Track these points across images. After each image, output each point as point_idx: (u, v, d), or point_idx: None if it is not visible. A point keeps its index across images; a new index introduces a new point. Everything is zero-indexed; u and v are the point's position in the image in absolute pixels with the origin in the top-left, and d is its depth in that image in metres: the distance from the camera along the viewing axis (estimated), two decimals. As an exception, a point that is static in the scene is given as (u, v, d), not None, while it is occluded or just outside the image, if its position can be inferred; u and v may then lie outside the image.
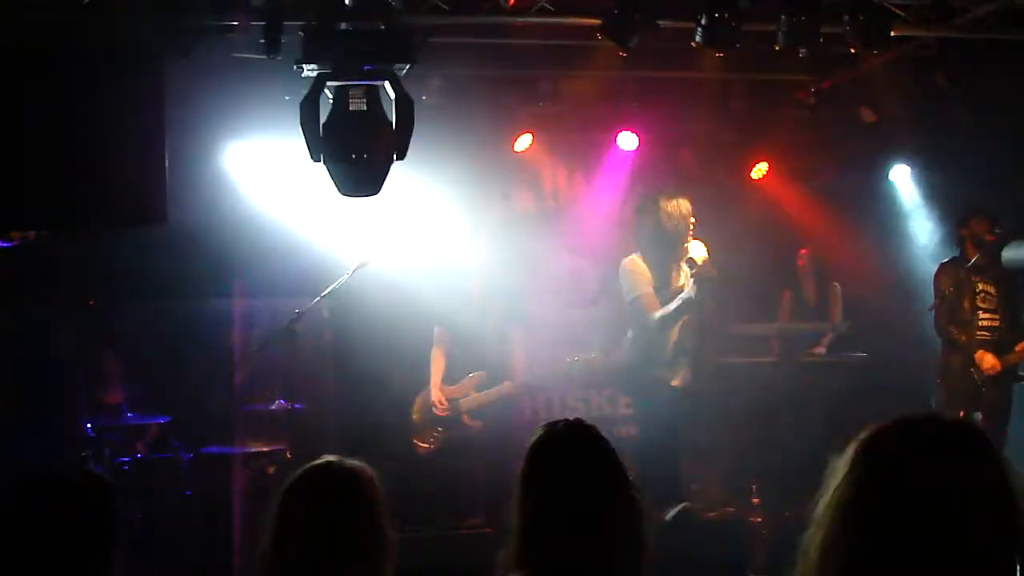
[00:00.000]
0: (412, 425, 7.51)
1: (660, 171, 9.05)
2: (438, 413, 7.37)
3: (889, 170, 9.17)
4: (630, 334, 6.61)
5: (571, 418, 2.83)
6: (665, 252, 6.36)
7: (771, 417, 8.19)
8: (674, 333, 6.39)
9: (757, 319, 8.83)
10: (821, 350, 8.61)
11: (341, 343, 8.22)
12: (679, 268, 6.39)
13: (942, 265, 7.85)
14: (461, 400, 7.37)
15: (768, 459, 8.02)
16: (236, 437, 7.41)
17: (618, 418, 8.87)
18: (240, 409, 7.57)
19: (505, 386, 7.31)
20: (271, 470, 7.07)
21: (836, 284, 8.97)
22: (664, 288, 6.42)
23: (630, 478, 2.73)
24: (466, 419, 7.37)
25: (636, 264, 6.48)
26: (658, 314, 6.25)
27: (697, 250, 6.21)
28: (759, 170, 9.14)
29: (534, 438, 2.79)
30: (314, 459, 2.80)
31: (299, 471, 2.75)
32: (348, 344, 8.19)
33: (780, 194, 9.20)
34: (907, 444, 1.76)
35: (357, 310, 7.94)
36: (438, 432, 7.42)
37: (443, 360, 7.49)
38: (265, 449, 7.24)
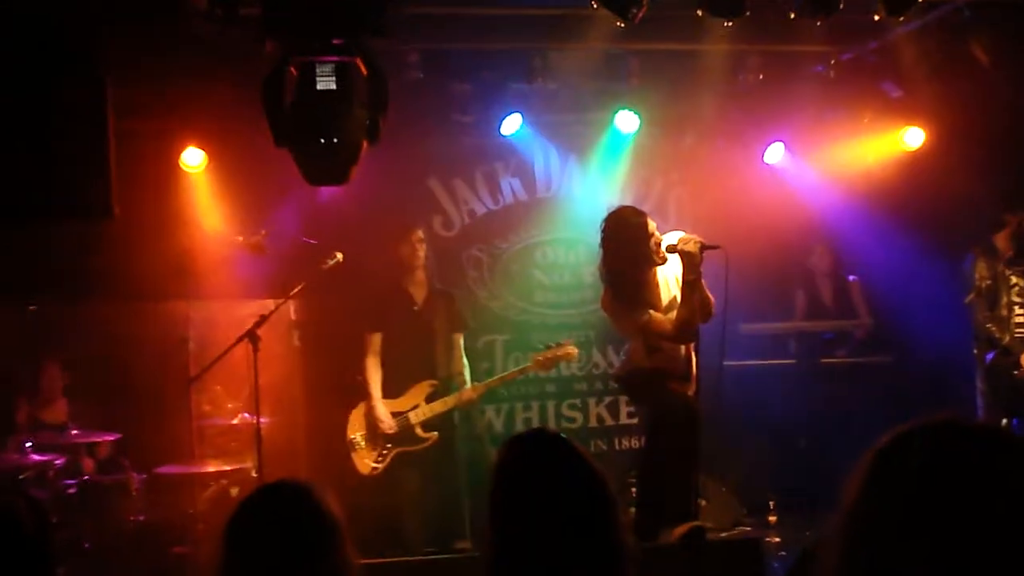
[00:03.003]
0: (352, 443, 7.51)
1: (663, 154, 9.12)
2: (385, 430, 7.41)
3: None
4: (635, 344, 6.56)
5: (537, 429, 2.86)
6: (636, 270, 6.27)
7: (790, 426, 8.24)
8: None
9: (772, 319, 8.84)
10: (843, 352, 8.64)
11: (311, 349, 8.20)
12: (664, 278, 6.34)
13: (977, 253, 7.83)
14: (410, 413, 7.43)
15: (787, 473, 8.04)
16: (194, 455, 7.36)
17: (618, 428, 8.94)
18: (199, 423, 7.54)
19: (466, 393, 7.42)
20: (234, 491, 7.03)
21: (855, 279, 8.97)
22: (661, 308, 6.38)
23: (608, 498, 2.71)
24: (420, 432, 7.43)
25: (607, 297, 6.41)
26: (676, 326, 6.16)
27: (671, 239, 6.15)
28: (773, 152, 9.13)
29: (497, 458, 2.80)
30: (281, 479, 2.76)
31: (247, 495, 2.72)
32: (318, 350, 8.17)
33: (796, 179, 9.18)
34: (925, 453, 1.73)
35: (328, 312, 7.95)
36: (387, 449, 7.44)
37: (379, 371, 7.56)
38: (227, 468, 7.20)
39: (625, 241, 6.16)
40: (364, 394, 7.55)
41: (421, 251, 7.64)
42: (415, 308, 7.64)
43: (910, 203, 8.75)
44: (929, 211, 8.61)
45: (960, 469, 1.69)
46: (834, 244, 9.09)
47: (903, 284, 8.74)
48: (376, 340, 7.59)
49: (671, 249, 6.05)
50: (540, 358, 7.58)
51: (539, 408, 8.94)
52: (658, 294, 6.28)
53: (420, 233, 7.67)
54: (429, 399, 7.47)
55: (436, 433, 7.44)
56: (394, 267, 7.68)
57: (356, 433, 7.51)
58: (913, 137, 8.84)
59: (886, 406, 7.71)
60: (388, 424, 7.40)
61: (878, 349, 8.54)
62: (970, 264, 7.81)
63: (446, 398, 7.45)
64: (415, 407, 7.46)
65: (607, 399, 8.99)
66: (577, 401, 9.02)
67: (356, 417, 7.54)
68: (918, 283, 8.60)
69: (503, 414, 8.84)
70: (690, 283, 6.00)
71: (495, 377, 7.77)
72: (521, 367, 7.79)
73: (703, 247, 5.95)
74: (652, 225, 6.20)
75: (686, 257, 5.97)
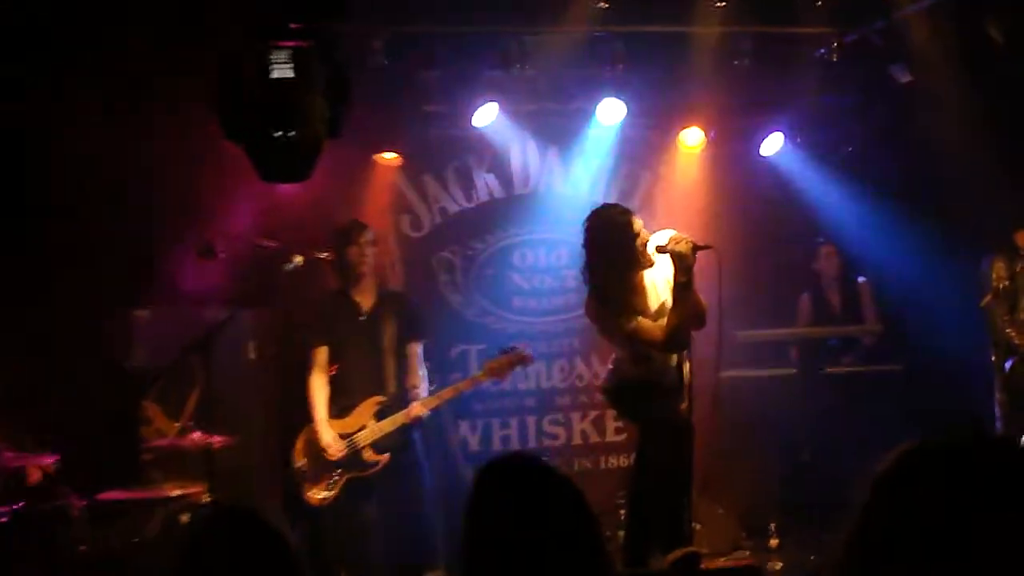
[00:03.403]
0: (298, 472, 7.43)
1: (651, 147, 9.17)
2: (333, 456, 7.32)
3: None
4: (622, 354, 6.55)
5: (515, 453, 2.81)
6: (622, 273, 6.26)
7: (792, 441, 8.27)
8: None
9: (772, 325, 8.84)
10: (850, 360, 8.65)
11: (269, 362, 8.18)
12: (652, 281, 6.33)
13: (995, 252, 7.88)
14: (358, 434, 7.34)
15: (789, 492, 8.08)
16: (142, 478, 7.32)
17: (605, 446, 8.98)
18: (146, 444, 7.49)
19: (414, 408, 7.33)
20: (185, 518, 6.95)
21: (864, 280, 9.00)
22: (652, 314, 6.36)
23: (593, 527, 2.72)
24: (370, 454, 7.34)
25: (592, 302, 6.40)
26: (666, 333, 6.16)
27: (659, 239, 6.14)
28: (771, 143, 9.13)
29: (472, 484, 2.81)
30: (237, 504, 2.75)
31: (198, 522, 2.70)
32: (277, 363, 8.16)
33: (797, 172, 9.19)
34: (936, 475, 1.72)
35: (288, 321, 7.96)
36: (336, 476, 7.34)
37: (326, 389, 7.48)
38: (177, 493, 7.12)
39: (610, 242, 6.15)
40: (309, 416, 7.45)
41: (370, 254, 7.53)
42: (361, 318, 7.53)
43: (922, 198, 8.77)
44: (943, 206, 8.62)
45: (975, 492, 1.67)
46: (841, 243, 9.12)
47: (914, 286, 8.72)
48: (321, 355, 7.49)
49: (660, 250, 6.04)
50: (492, 365, 7.50)
51: (518, 424, 8.95)
52: (646, 299, 6.27)
53: (369, 234, 7.54)
54: (378, 417, 7.33)
55: (387, 455, 7.32)
56: (341, 273, 7.58)
57: (301, 462, 7.40)
58: (924, 125, 8.83)
59: (896, 419, 7.68)
60: (334, 449, 7.29)
61: (888, 357, 8.52)
62: (987, 264, 7.81)
63: (396, 415, 7.32)
64: (363, 427, 7.34)
65: (592, 414, 9.01)
66: (559, 416, 9.04)
67: (301, 444, 7.44)
68: (931, 284, 8.56)
69: (479, 431, 8.85)
70: (681, 286, 5.99)
71: (446, 388, 7.59)
72: (472, 376, 7.68)
73: (695, 247, 5.94)
74: (639, 224, 6.19)
75: (677, 258, 5.95)
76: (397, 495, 7.43)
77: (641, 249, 6.14)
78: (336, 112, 5.78)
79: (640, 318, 6.17)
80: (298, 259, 7.18)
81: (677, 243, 5.96)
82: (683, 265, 5.96)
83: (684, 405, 6.28)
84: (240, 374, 7.91)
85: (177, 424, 7.46)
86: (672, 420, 6.26)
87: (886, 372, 8.39)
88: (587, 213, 6.34)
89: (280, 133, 5.68)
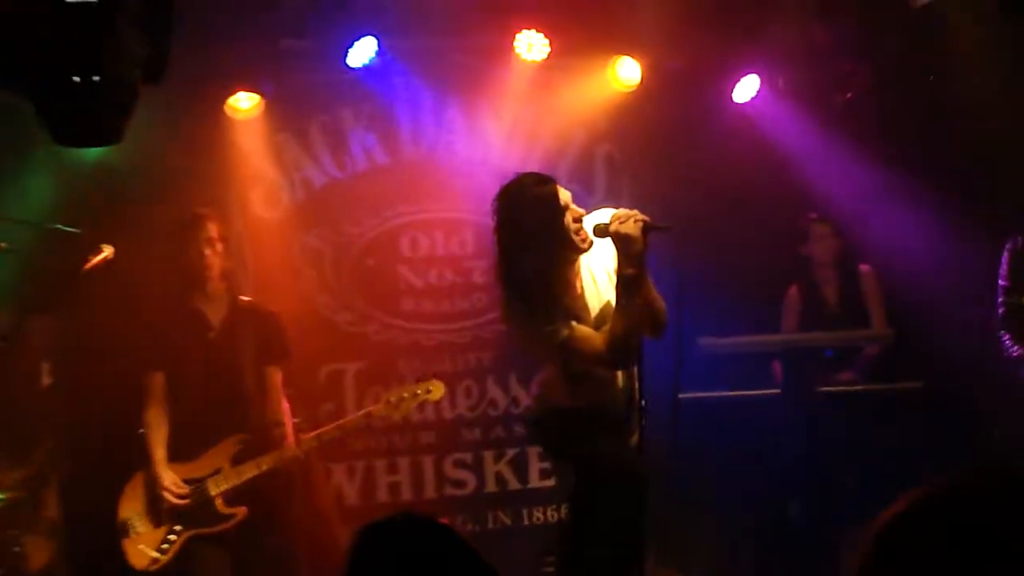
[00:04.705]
0: (122, 527, 7.40)
1: (586, 95, 9.13)
2: (173, 503, 7.33)
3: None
4: (551, 373, 6.50)
5: (402, 515, 2.90)
6: (548, 264, 6.22)
7: (775, 484, 8.25)
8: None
9: (748, 330, 8.77)
10: (851, 375, 8.65)
11: (70, 388, 8.10)
12: (591, 274, 6.29)
13: (1015, 242, 7.98)
14: (209, 480, 7.37)
15: (772, 552, 8.12)
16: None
17: (528, 495, 9.00)
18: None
19: (287, 450, 7.41)
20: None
21: (868, 270, 9.05)
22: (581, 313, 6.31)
23: None
24: (222, 506, 7.35)
25: (513, 308, 6.34)
26: (610, 343, 6.11)
27: (599, 218, 6.10)
28: (744, 88, 9.18)
29: (347, 556, 2.85)
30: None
31: None
32: (82, 389, 8.06)
33: (779, 127, 9.21)
34: (953, 527, 1.76)
35: (96, 335, 7.89)
36: (175, 532, 7.35)
37: (165, 424, 7.50)
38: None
39: (529, 223, 6.03)
40: (144, 458, 7.44)
41: (217, 252, 7.53)
42: (210, 334, 7.57)
43: (942, 161, 8.83)
44: (969, 172, 8.68)
45: (1002, 549, 1.72)
46: (838, 221, 9.12)
47: (934, 277, 8.78)
48: (157, 382, 7.51)
49: (600, 232, 5.96)
50: (392, 399, 7.55)
51: (411, 467, 8.96)
52: (583, 298, 6.18)
53: (213, 228, 7.52)
54: (236, 460, 7.38)
55: (244, 508, 7.35)
56: (179, 276, 7.58)
57: (130, 512, 7.39)
58: (944, 65, 8.91)
59: (912, 453, 7.74)
60: (176, 495, 7.31)
61: (901, 370, 8.53)
62: (1007, 256, 7.91)
63: (261, 458, 7.36)
64: (217, 471, 7.37)
65: (511, 452, 9.05)
66: (467, 456, 9.08)
67: (132, 490, 7.43)
68: (956, 275, 8.64)
69: (358, 478, 8.83)
70: (629, 281, 5.91)
71: (330, 425, 7.62)
72: (365, 410, 7.70)
73: (646, 228, 5.86)
74: (566, 196, 6.09)
75: (622, 243, 5.87)
76: (250, 561, 7.45)
77: (574, 229, 6.06)
78: (156, 49, 5.68)
79: (576, 324, 6.09)
80: (107, 251, 7.14)
81: (622, 223, 5.86)
82: (630, 252, 5.86)
83: (634, 440, 6.25)
84: (30, 405, 7.89)
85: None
86: (618, 460, 6.21)
87: (899, 391, 8.40)
88: (499, 188, 6.24)
89: (79, 78, 5.59)
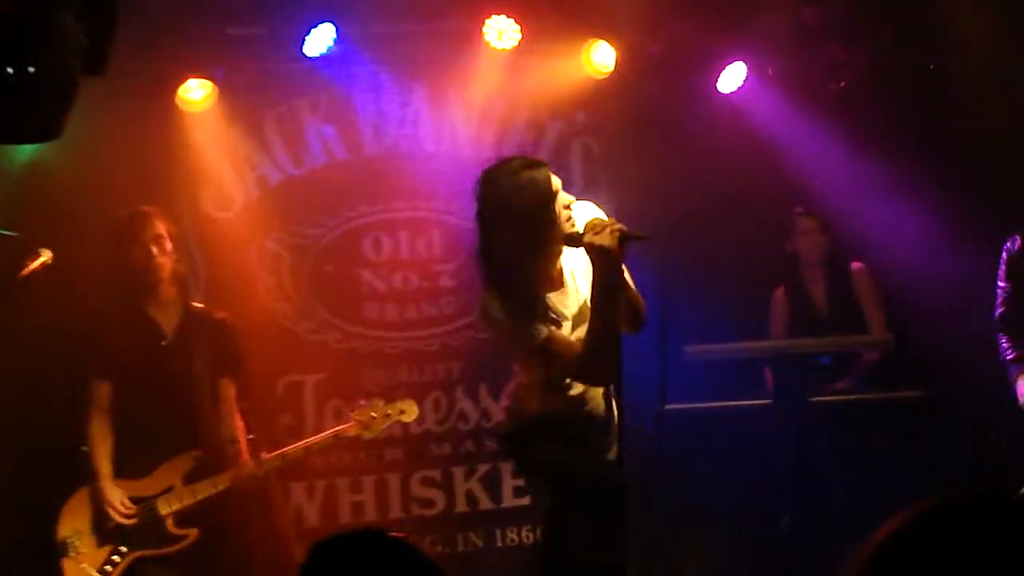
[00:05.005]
0: (61, 545, 7.38)
1: (561, 83, 9.11)
2: (118, 521, 7.31)
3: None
4: (525, 379, 6.46)
5: (362, 531, 2.98)
6: (536, 259, 6.17)
7: (765, 500, 8.28)
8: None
9: (733, 336, 8.74)
10: (848, 383, 8.62)
11: (5, 395, 8.02)
12: (571, 272, 6.25)
13: (1013, 243, 7.98)
14: (160, 499, 7.37)
15: (763, 571, 8.14)
16: None
17: (502, 515, 8.99)
18: None
19: (244, 468, 7.41)
20: None
21: (860, 267, 9.04)
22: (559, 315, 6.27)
23: None
24: (173, 527, 7.35)
25: (493, 304, 6.28)
26: (585, 358, 6.07)
27: (584, 212, 6.06)
28: (730, 76, 9.16)
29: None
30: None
31: None
32: (16, 402, 8.01)
33: (768, 117, 9.20)
34: (955, 546, 1.76)
35: (32, 343, 7.85)
36: (120, 553, 7.33)
37: (111, 438, 7.48)
38: None
39: (519, 207, 5.96)
40: (88, 473, 7.42)
41: (165, 251, 7.52)
42: (163, 343, 7.58)
43: (945, 154, 8.84)
44: (973, 164, 8.69)
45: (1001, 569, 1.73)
46: (827, 214, 9.11)
47: (936, 274, 8.79)
48: (103, 392, 7.51)
49: (572, 241, 5.91)
50: (361, 418, 7.55)
51: (375, 486, 8.93)
52: (565, 295, 6.14)
53: (160, 226, 7.52)
54: (189, 479, 7.39)
55: (196, 529, 7.36)
56: (124, 279, 7.56)
57: (71, 531, 7.37)
58: (948, 50, 8.91)
59: (915, 467, 7.76)
60: (123, 513, 7.30)
61: (902, 378, 8.51)
62: (1009, 255, 7.96)
63: (216, 477, 7.37)
64: (168, 490, 7.37)
65: (482, 468, 9.02)
66: (436, 473, 9.05)
67: (74, 507, 7.42)
68: (960, 272, 8.62)
69: (318, 497, 8.80)
70: (606, 291, 5.87)
71: (296, 445, 7.63)
72: (333, 430, 7.68)
73: (623, 237, 5.80)
74: (557, 182, 6.05)
75: (597, 255, 5.80)
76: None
77: (564, 217, 6.00)
78: (97, 37, 5.65)
79: (553, 329, 6.04)
80: (45, 255, 7.11)
81: (596, 233, 5.79)
82: (606, 265, 5.79)
83: (612, 454, 6.22)
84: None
85: None
86: (594, 474, 6.19)
87: (900, 401, 8.38)
88: (480, 174, 6.16)
89: (12, 69, 5.56)
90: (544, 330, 5.95)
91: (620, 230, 5.69)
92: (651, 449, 6.39)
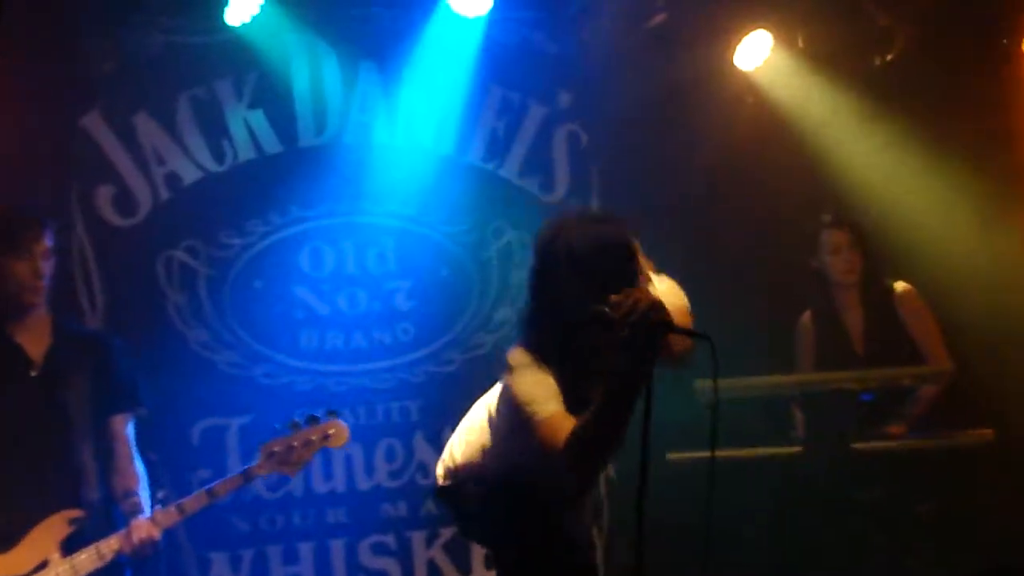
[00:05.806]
0: None
1: (541, 57, 9.13)
2: None
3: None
4: (502, 448, 6.27)
5: None
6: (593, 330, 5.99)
7: (794, 566, 8.14)
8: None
9: (756, 369, 8.57)
10: (900, 429, 8.40)
11: None
12: None
13: None
14: None
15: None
16: None
17: None
18: None
19: (140, 527, 7.08)
20: None
21: (906, 288, 8.84)
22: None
23: None
24: None
25: (524, 358, 6.08)
26: (570, 450, 5.87)
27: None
28: (753, 49, 9.05)
29: None
30: None
31: None
32: None
33: (796, 98, 9.14)
34: None
35: None
36: None
37: None
38: None
39: (591, 279, 5.70)
40: None
41: (48, 272, 7.31)
42: (32, 374, 7.32)
43: (1005, 144, 8.78)
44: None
45: None
46: (859, 224, 8.93)
47: (1003, 287, 8.84)
48: None
49: (598, 316, 5.67)
50: (274, 448, 7.29)
51: (314, 554, 8.83)
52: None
53: (46, 241, 7.31)
54: (67, 546, 7.10)
55: None
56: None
57: None
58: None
59: (981, 527, 7.72)
60: None
61: (964, 416, 8.35)
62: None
63: (102, 543, 7.07)
64: (42, 565, 7.07)
65: (446, 533, 8.87)
66: (390, 539, 8.98)
67: None
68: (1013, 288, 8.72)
69: (245, 570, 8.65)
70: (619, 383, 5.61)
71: (198, 492, 7.31)
72: (244, 468, 7.37)
73: (664, 328, 5.55)
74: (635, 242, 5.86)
75: (627, 344, 5.60)
76: None
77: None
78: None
79: (559, 407, 5.82)
80: None
81: (628, 315, 5.55)
82: (636, 356, 5.56)
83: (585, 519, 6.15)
84: None
85: None
86: (569, 559, 6.06)
87: (967, 445, 8.21)
88: (545, 223, 5.86)
89: None
90: (550, 406, 5.74)
91: (662, 320, 5.30)
92: (647, 512, 6.19)
